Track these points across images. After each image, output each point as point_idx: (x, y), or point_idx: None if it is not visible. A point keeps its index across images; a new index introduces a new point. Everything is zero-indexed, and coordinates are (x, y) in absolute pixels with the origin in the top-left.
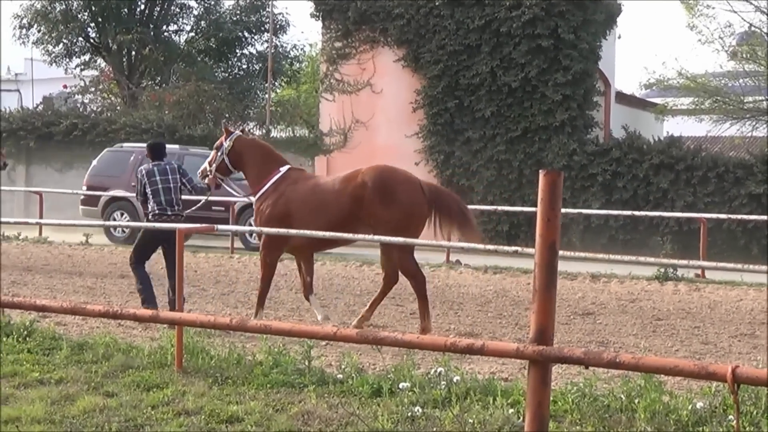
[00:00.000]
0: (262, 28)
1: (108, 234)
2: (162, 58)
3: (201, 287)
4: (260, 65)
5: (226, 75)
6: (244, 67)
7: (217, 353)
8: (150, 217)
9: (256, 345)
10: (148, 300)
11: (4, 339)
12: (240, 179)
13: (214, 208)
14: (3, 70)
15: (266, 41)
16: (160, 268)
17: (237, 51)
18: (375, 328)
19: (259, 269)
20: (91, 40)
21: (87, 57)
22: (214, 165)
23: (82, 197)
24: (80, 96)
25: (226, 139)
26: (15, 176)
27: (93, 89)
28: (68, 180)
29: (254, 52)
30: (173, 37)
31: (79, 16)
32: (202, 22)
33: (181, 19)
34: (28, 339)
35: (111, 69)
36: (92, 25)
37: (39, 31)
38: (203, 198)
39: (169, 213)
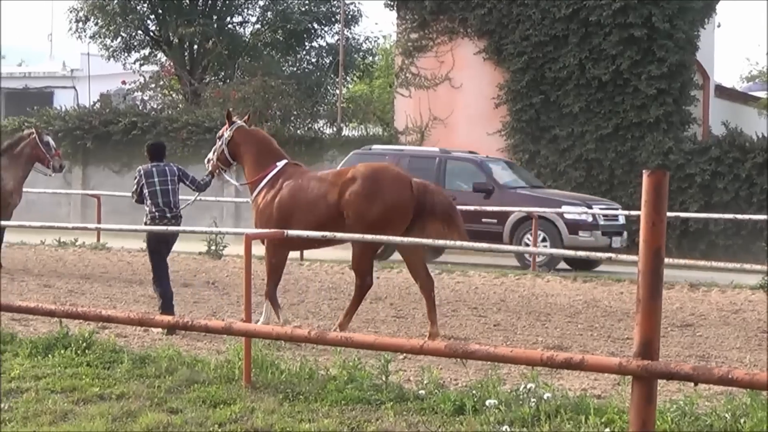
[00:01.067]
0: (333, 19)
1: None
2: (226, 51)
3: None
4: (331, 59)
5: (294, 69)
6: (314, 60)
7: (288, 367)
8: (148, 219)
9: (329, 359)
10: (167, 304)
11: (62, 351)
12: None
13: (484, 220)
14: (58, 66)
15: (337, 33)
16: (225, 276)
17: (306, 44)
18: (457, 340)
19: (265, 271)
20: (151, 34)
21: (146, 51)
22: (215, 154)
23: None
24: (139, 93)
25: (227, 129)
26: (71, 178)
27: (153, 85)
28: (127, 182)
29: (324, 44)
30: (238, 29)
31: (139, 8)
32: (269, 13)
33: (246, 10)
34: (87, 351)
35: (172, 64)
36: (152, 17)
37: (96, 25)
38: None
39: (168, 215)
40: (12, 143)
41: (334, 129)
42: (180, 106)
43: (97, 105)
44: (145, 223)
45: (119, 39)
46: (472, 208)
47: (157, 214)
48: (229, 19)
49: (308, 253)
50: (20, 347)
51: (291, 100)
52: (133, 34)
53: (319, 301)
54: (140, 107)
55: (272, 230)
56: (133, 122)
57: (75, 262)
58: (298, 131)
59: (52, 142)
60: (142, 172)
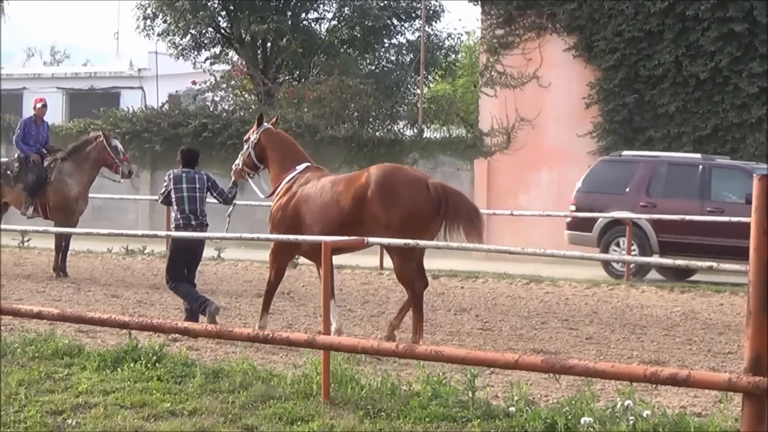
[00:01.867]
0: (414, 15)
1: (607, 269)
2: (301, 49)
3: (347, 308)
4: (411, 57)
5: (373, 68)
6: (393, 59)
7: (369, 382)
8: (173, 226)
9: (411, 373)
10: (203, 303)
11: (132, 364)
12: None
13: None
14: (125, 66)
15: (418, 29)
16: (301, 286)
17: (385, 41)
18: (548, 354)
19: (269, 273)
20: (222, 31)
21: (217, 49)
22: (241, 159)
23: (569, 219)
24: (210, 93)
25: (254, 132)
26: (139, 183)
27: (224, 85)
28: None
29: (404, 41)
30: (313, 26)
31: (209, 4)
32: (346, 9)
33: (322, 6)
34: (157, 365)
35: (244, 62)
36: (223, 14)
37: (164, 22)
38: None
39: (193, 223)
40: (77, 146)
41: (415, 131)
42: (252, 107)
43: (166, 106)
44: (174, 228)
45: (189, 37)
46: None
47: (182, 221)
48: (304, 15)
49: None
50: (88, 360)
51: (369, 100)
52: (204, 31)
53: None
54: (211, 108)
55: (353, 237)
56: (204, 124)
57: (143, 271)
58: (377, 133)
59: (120, 146)
60: (171, 176)
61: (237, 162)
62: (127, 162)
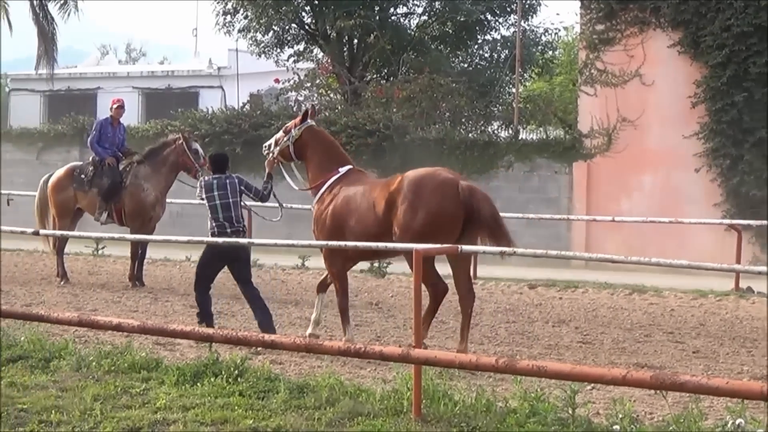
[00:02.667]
0: (509, 9)
1: None
2: (389, 46)
3: (439, 319)
4: (506, 53)
5: (465, 66)
6: (487, 56)
7: (462, 398)
8: (209, 234)
9: (507, 389)
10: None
11: (212, 379)
12: None
13: None
14: (204, 64)
15: (513, 25)
16: (390, 296)
17: (478, 37)
18: (654, 369)
19: (332, 283)
20: (307, 27)
21: (301, 46)
22: (278, 148)
23: None
24: (293, 92)
25: (297, 127)
26: None
27: (308, 84)
28: (278, 191)
29: (499, 37)
30: (402, 21)
31: None
32: (437, 4)
33: (411, 1)
34: (239, 379)
35: (329, 60)
36: (307, 9)
37: (245, 18)
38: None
39: (229, 231)
40: (155, 149)
41: (510, 132)
42: (338, 107)
43: (247, 106)
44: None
45: (271, 33)
46: None
47: (217, 229)
48: (392, 10)
49: (482, 271)
50: (166, 374)
51: (462, 99)
52: (287, 27)
53: (495, 324)
54: (294, 109)
55: (446, 246)
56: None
57: (224, 280)
58: (470, 134)
59: (200, 150)
60: (203, 184)
61: (273, 150)
62: (207, 167)
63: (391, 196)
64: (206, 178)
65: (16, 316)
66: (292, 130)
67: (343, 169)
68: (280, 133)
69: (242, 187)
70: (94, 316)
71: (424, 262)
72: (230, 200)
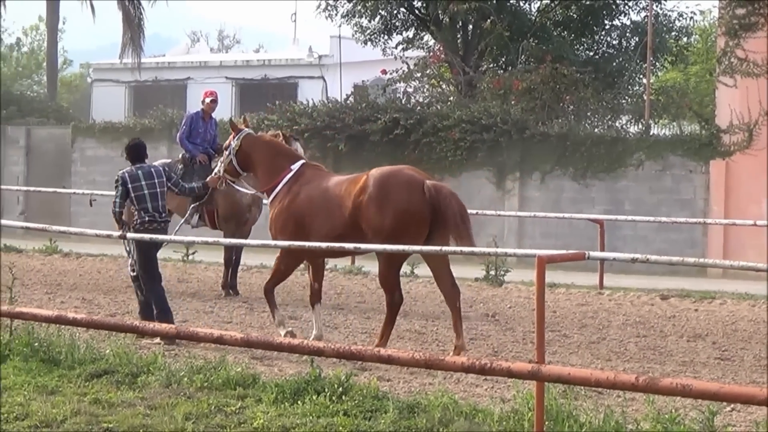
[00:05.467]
0: None
1: None
2: (507, 33)
3: (562, 332)
4: (636, 41)
5: (591, 54)
6: (615, 43)
7: (589, 419)
8: (138, 226)
9: (638, 409)
10: (164, 313)
11: (314, 397)
12: None
13: None
14: (303, 52)
15: (644, 9)
16: (508, 308)
17: (605, 22)
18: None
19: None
20: (417, 12)
21: (411, 33)
22: (221, 165)
23: None
24: (402, 83)
25: (234, 138)
26: None
27: (418, 75)
28: None
29: (628, 23)
30: (522, 5)
31: None
32: None
33: None
34: (343, 397)
35: (441, 48)
36: None
37: (349, 2)
38: None
39: (159, 220)
40: None
41: (641, 127)
42: (451, 99)
43: (351, 99)
44: (135, 229)
45: (377, 18)
46: None
47: (147, 218)
48: None
49: (610, 281)
50: (264, 392)
51: (587, 91)
52: (395, 12)
53: (624, 338)
54: (403, 101)
55: (572, 252)
56: (395, 119)
57: (325, 289)
58: (596, 129)
59: (300, 150)
60: (126, 176)
61: (217, 169)
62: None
63: (356, 195)
64: (128, 169)
65: (108, 327)
66: (231, 142)
67: (295, 166)
68: (223, 153)
69: (165, 177)
70: (193, 328)
71: (394, 267)
72: (158, 190)
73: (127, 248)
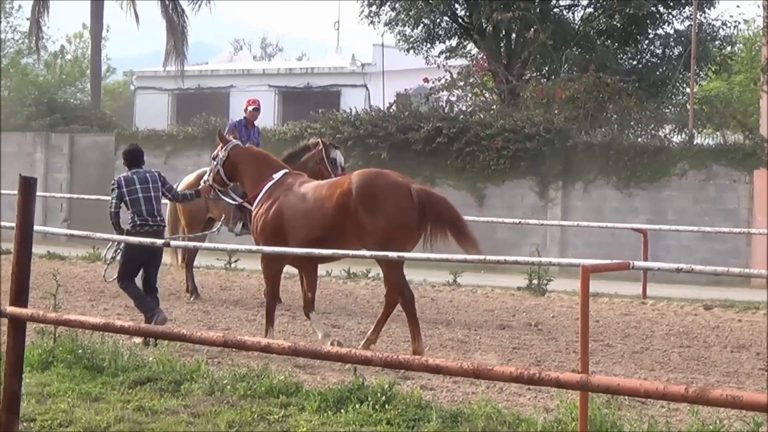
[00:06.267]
0: (683, 1)
1: None
2: (551, 41)
3: (605, 342)
4: (680, 50)
5: (635, 63)
6: (658, 52)
7: (633, 429)
8: (130, 229)
9: (681, 420)
10: (151, 311)
11: (357, 405)
12: None
13: None
14: (346, 60)
15: (688, 17)
16: (551, 317)
17: (649, 31)
18: None
19: (264, 284)
20: (460, 20)
21: (454, 42)
22: (210, 175)
23: None
24: (445, 92)
25: (221, 149)
26: None
27: (461, 83)
28: None
29: (671, 32)
30: (565, 14)
31: None
32: None
33: None
34: (386, 406)
35: (485, 57)
36: (461, 0)
37: (393, 10)
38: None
39: (151, 224)
40: (294, 153)
41: (684, 136)
42: (494, 108)
43: (394, 107)
44: (128, 232)
45: (421, 27)
46: None
47: (139, 222)
48: (554, 1)
49: (653, 290)
50: (307, 400)
51: (631, 100)
52: (438, 20)
53: (668, 348)
54: (446, 110)
55: (616, 262)
56: (438, 128)
57: (368, 297)
58: (639, 139)
59: (340, 159)
60: (122, 181)
61: (206, 178)
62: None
63: (340, 198)
64: (125, 174)
65: (156, 335)
66: (219, 153)
67: (277, 175)
68: (211, 164)
69: (161, 182)
70: (240, 337)
71: (396, 269)
72: (152, 194)
73: (106, 254)
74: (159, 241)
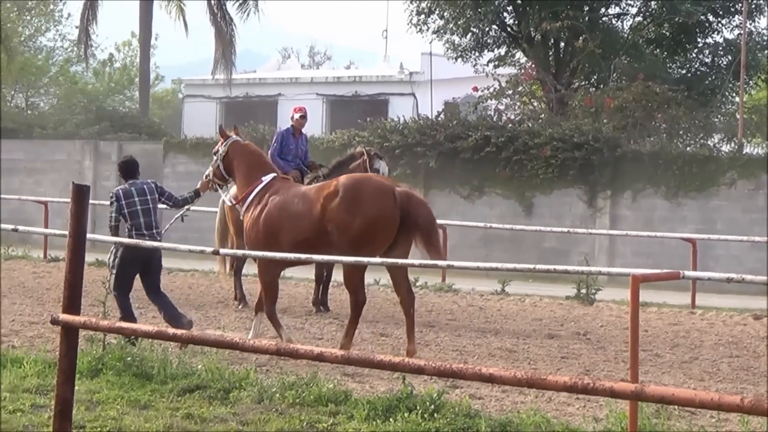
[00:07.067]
0: (732, 10)
1: None
2: (599, 50)
3: (654, 352)
4: (729, 59)
5: (684, 72)
6: (707, 61)
7: None
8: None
9: (731, 430)
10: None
11: (406, 414)
12: None
13: None
14: (394, 69)
15: (738, 26)
16: (599, 326)
17: (698, 40)
18: None
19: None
20: (508, 29)
21: (502, 50)
22: (210, 169)
23: None
24: (493, 101)
25: (221, 144)
26: None
27: (510, 92)
28: (476, 209)
29: (721, 41)
30: (614, 23)
31: None
32: (653, 3)
33: (625, 0)
34: (435, 415)
35: (533, 65)
36: (509, 9)
37: (441, 18)
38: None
39: (146, 233)
40: (341, 162)
41: (734, 145)
42: (542, 116)
43: (442, 116)
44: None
45: (469, 36)
46: None
47: (135, 233)
48: (603, 10)
49: (702, 300)
50: (356, 408)
51: (679, 109)
52: (487, 29)
53: (717, 358)
54: (494, 118)
55: (666, 271)
56: (486, 137)
57: (416, 306)
58: (688, 148)
59: (384, 169)
60: (120, 193)
61: (207, 173)
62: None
63: (325, 201)
64: (122, 186)
65: (208, 343)
66: (219, 148)
67: (266, 178)
68: (213, 158)
69: (158, 193)
70: (293, 345)
71: (358, 269)
72: (150, 206)
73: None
74: (208, 249)
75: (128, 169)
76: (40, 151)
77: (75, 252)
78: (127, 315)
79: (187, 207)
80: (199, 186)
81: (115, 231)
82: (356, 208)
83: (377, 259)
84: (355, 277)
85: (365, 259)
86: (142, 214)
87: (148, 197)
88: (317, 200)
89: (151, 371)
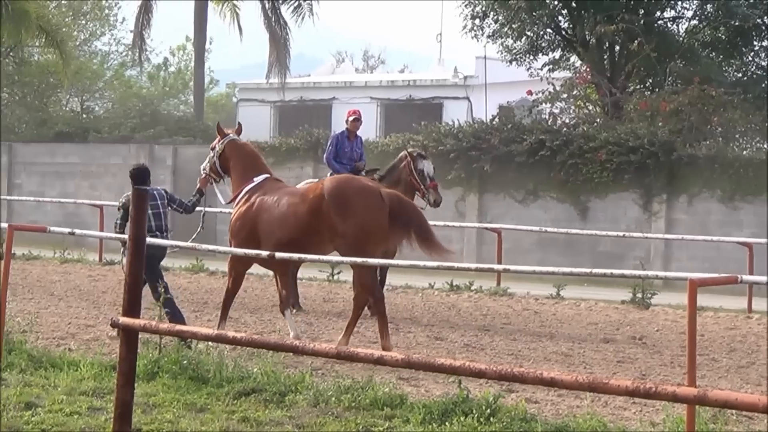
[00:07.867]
0: None
1: None
2: (655, 54)
3: (710, 356)
4: None
5: (740, 75)
6: (764, 64)
7: None
8: None
9: None
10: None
11: (462, 418)
12: None
13: None
14: (449, 72)
15: None
16: (655, 330)
17: (755, 43)
18: None
19: (227, 281)
20: (563, 32)
21: (557, 54)
22: (207, 165)
23: None
24: (548, 104)
25: (218, 142)
26: (465, 208)
27: (564, 95)
28: (531, 213)
29: None
30: (670, 26)
31: (548, 1)
32: (709, 6)
33: (680, 4)
34: (491, 419)
35: (588, 69)
36: (564, 12)
37: (496, 22)
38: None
39: (158, 234)
40: (392, 167)
41: None
42: (598, 120)
43: (496, 120)
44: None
45: (524, 39)
46: None
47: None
48: (659, 14)
49: (758, 305)
50: (411, 412)
51: (736, 113)
52: (541, 33)
53: None
54: (549, 122)
55: (724, 276)
56: (541, 141)
57: (471, 310)
58: (744, 152)
59: (428, 170)
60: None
61: (204, 166)
62: (434, 189)
63: (313, 202)
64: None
65: (268, 346)
66: (216, 146)
67: (258, 178)
68: (210, 154)
69: (168, 199)
70: (353, 349)
71: (369, 270)
72: (161, 210)
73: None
74: (264, 253)
75: (140, 176)
76: (95, 155)
77: (135, 255)
78: (175, 315)
79: (201, 225)
80: (199, 184)
81: (120, 230)
82: (347, 212)
83: (433, 263)
84: (365, 276)
85: (414, 263)
86: (153, 218)
87: (158, 202)
88: (303, 201)
89: (206, 374)
